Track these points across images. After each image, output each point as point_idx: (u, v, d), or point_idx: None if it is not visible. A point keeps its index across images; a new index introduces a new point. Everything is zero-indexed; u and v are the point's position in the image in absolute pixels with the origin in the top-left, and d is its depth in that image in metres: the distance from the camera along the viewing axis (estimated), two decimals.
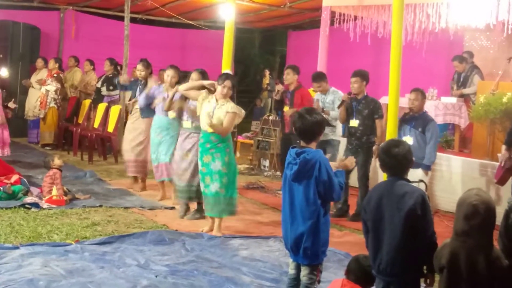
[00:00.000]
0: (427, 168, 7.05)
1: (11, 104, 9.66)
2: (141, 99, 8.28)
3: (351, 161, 4.53)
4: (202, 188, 6.64)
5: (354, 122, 7.67)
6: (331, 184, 4.14)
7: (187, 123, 7.22)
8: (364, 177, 7.64)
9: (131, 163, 8.57)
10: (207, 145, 6.52)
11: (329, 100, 8.35)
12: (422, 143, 7.05)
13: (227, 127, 6.44)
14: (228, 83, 6.46)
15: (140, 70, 8.60)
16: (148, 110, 8.25)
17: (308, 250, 4.16)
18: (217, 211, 6.59)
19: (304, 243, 4.15)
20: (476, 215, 3.36)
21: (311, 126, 4.23)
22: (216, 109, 6.45)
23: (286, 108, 8.86)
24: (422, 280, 3.80)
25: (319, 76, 8.54)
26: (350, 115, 7.72)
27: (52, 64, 12.14)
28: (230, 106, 6.45)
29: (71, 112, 12.61)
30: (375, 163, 7.72)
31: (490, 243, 3.39)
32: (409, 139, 7.03)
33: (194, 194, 7.08)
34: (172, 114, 7.66)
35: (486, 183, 7.56)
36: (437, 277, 3.68)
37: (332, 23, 10.71)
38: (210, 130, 6.40)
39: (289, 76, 8.81)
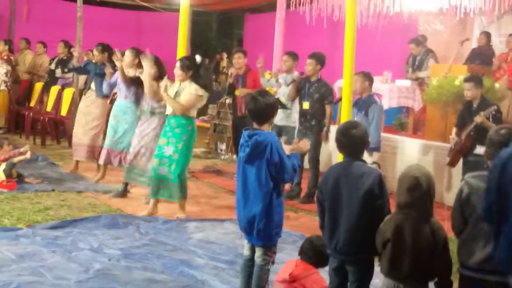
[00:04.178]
0: (371, 150, 7.07)
1: None
2: (105, 88, 8.24)
3: (304, 144, 4.53)
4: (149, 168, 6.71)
5: (306, 104, 7.70)
6: (282, 166, 4.13)
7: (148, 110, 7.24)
8: (313, 159, 7.69)
9: (81, 147, 8.50)
10: (166, 128, 6.63)
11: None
12: (367, 125, 7.08)
13: (185, 105, 6.49)
14: (177, 64, 6.62)
15: (95, 55, 8.67)
16: (102, 89, 8.26)
17: (262, 231, 4.16)
18: (167, 194, 6.65)
19: (257, 224, 4.14)
20: (418, 187, 3.45)
21: (264, 108, 4.22)
22: (179, 91, 6.58)
23: (237, 92, 8.85)
24: (376, 259, 3.84)
25: (292, 54, 8.30)
26: (303, 97, 7.74)
27: (1, 46, 11.88)
28: (194, 87, 6.55)
29: (23, 95, 12.36)
30: (331, 146, 7.75)
31: (431, 214, 3.51)
32: None
33: (146, 179, 7.02)
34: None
35: (439, 165, 7.68)
36: None
37: (288, 6, 10.71)
38: (171, 112, 6.51)
39: (241, 60, 8.86)
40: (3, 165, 7.50)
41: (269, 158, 4.08)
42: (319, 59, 7.72)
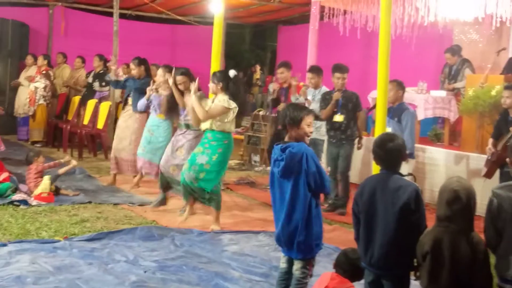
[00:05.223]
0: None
1: None
2: (141, 105, 8.35)
3: None
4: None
5: (339, 117, 7.69)
6: (321, 175, 4.13)
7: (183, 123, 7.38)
8: (346, 169, 7.71)
9: (123, 162, 8.62)
10: (204, 140, 6.68)
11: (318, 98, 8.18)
12: (400, 132, 7.08)
13: (208, 113, 6.48)
14: (211, 78, 6.66)
15: (132, 69, 8.79)
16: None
17: (302, 244, 4.15)
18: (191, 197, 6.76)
19: (298, 237, 4.14)
20: (458, 200, 3.42)
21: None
22: (212, 104, 6.63)
23: (282, 105, 8.85)
24: (412, 273, 3.80)
25: (316, 70, 8.36)
26: (335, 110, 7.74)
27: (41, 60, 12.11)
28: (223, 98, 6.52)
29: (61, 109, 12.59)
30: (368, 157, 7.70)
31: (471, 228, 3.46)
32: (387, 130, 7.06)
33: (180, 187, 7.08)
34: (161, 115, 7.90)
35: (475, 176, 7.56)
36: None
37: (322, 17, 10.72)
38: (208, 126, 6.58)
39: (284, 75, 8.83)
40: (47, 177, 7.61)
41: (307, 168, 4.09)
42: (345, 70, 7.77)
